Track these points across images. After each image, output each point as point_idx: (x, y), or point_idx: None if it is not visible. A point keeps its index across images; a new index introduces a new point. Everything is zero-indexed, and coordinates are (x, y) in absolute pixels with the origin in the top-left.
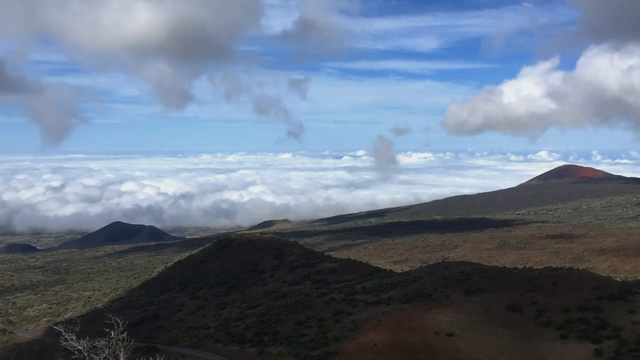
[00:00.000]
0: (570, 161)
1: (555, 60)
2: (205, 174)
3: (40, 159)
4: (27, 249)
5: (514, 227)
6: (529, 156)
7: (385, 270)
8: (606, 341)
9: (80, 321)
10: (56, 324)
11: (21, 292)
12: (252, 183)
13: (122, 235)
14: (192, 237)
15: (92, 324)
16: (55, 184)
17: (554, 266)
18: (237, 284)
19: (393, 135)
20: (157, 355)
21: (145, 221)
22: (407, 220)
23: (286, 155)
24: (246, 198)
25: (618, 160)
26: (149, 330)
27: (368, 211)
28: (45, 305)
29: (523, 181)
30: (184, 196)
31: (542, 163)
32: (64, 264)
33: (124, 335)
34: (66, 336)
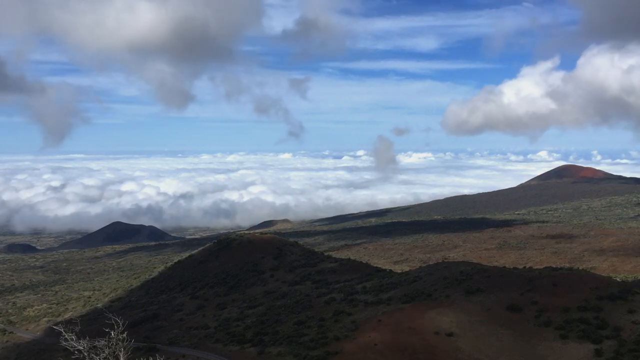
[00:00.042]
0: (570, 161)
1: (556, 60)
2: (205, 174)
3: (40, 159)
4: (27, 249)
5: (514, 227)
6: (529, 156)
7: (385, 270)
8: (606, 341)
9: (80, 321)
10: (56, 324)
11: (21, 292)
12: (252, 183)
13: (122, 235)
14: (192, 237)
15: (92, 324)
16: (55, 184)
17: (554, 266)
18: (237, 284)
19: (393, 135)
20: (157, 355)
21: (145, 221)
22: (407, 220)
23: (286, 155)
24: (246, 198)
25: (618, 160)
26: (149, 330)
27: (368, 211)
28: (45, 305)
29: (523, 181)
30: (184, 196)
31: (542, 163)
32: (64, 264)
33: (124, 335)
34: (66, 336)
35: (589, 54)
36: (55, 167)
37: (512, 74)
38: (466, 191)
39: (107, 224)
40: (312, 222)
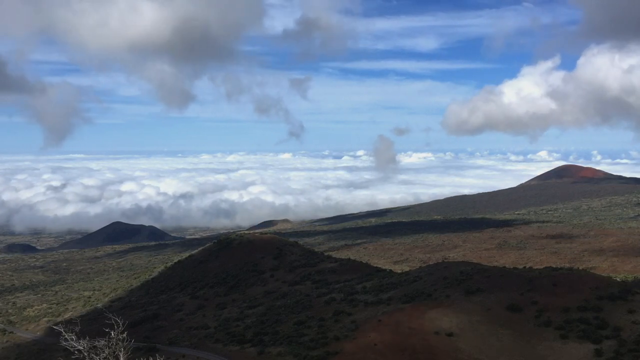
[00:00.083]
0: (570, 161)
1: (556, 60)
2: (205, 174)
3: (40, 159)
4: (27, 249)
5: (514, 227)
6: (529, 156)
7: (385, 270)
8: (606, 341)
9: (80, 321)
10: (56, 324)
11: (21, 292)
12: (252, 183)
13: (122, 235)
14: (192, 237)
15: (92, 324)
16: (55, 184)
17: (554, 266)
18: (237, 284)
19: (393, 135)
20: (157, 355)
21: (145, 221)
22: (407, 220)
23: (286, 155)
24: (246, 198)
25: (618, 160)
26: (149, 330)
27: (368, 211)
28: (45, 305)
29: (523, 181)
30: (183, 196)
31: (542, 163)
32: (64, 264)
33: (124, 335)
34: (66, 336)
35: (589, 53)
36: (55, 167)
37: (512, 74)
38: (466, 191)
39: (107, 224)
40: (312, 222)
